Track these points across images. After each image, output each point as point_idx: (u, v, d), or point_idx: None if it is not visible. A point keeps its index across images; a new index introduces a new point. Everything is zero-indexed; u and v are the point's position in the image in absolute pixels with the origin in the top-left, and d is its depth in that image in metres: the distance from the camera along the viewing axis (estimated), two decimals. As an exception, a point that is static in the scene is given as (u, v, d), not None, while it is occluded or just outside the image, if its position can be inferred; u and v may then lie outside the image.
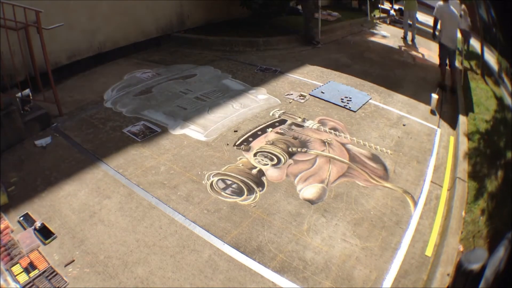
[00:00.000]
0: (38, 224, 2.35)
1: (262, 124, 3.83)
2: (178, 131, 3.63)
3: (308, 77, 5.34)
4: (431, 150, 3.75)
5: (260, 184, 2.93)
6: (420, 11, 11.80)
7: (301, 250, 2.35)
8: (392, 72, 6.16)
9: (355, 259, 2.33)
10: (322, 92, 4.77)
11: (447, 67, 5.77)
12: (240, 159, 3.24)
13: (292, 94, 4.66)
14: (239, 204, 2.71)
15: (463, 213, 2.80)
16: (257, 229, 2.49)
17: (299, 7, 9.53)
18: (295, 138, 3.62)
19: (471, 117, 4.48)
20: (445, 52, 5.51)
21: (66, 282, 2.01)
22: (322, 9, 10.44)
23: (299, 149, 3.44)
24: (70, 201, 2.62)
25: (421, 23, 11.51)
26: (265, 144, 3.47)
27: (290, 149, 3.42)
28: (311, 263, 2.26)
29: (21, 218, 2.42)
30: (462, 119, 4.50)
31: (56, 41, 4.35)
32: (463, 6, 6.38)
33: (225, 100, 4.35)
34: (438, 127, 4.33)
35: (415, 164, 3.46)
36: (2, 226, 2.33)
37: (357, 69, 6.00)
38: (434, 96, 4.75)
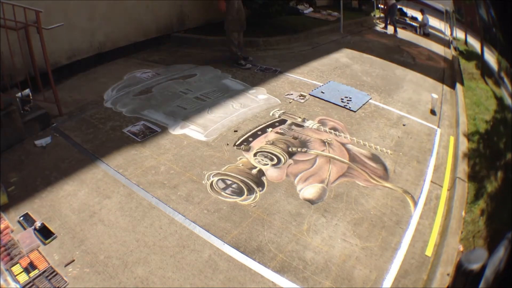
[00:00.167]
0: (38, 224, 2.35)
1: (262, 124, 3.83)
2: (178, 131, 3.63)
3: (308, 77, 5.34)
4: (431, 150, 3.75)
5: (260, 184, 2.93)
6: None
7: (301, 250, 2.35)
8: (392, 72, 6.16)
9: (355, 259, 2.33)
10: (322, 92, 4.77)
11: None
12: (240, 159, 3.24)
13: (292, 94, 4.66)
14: (239, 204, 2.71)
15: (463, 213, 2.80)
16: (257, 229, 2.49)
17: (299, 7, 9.54)
18: (295, 138, 3.62)
19: (471, 117, 4.49)
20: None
21: (66, 282, 2.01)
22: (322, 9, 10.47)
23: (299, 149, 3.44)
24: (70, 201, 2.62)
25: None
26: (265, 144, 3.47)
27: (290, 149, 3.42)
28: (311, 263, 2.26)
29: (21, 218, 2.42)
30: (462, 119, 4.50)
31: (56, 41, 4.36)
32: None
33: (225, 100, 4.35)
34: (438, 127, 4.33)
35: (415, 164, 3.46)
36: (2, 226, 2.33)
37: (357, 69, 6.00)
38: (434, 96, 4.76)
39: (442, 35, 11.58)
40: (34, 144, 3.25)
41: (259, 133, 3.66)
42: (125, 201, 2.66)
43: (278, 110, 4.17)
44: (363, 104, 4.57)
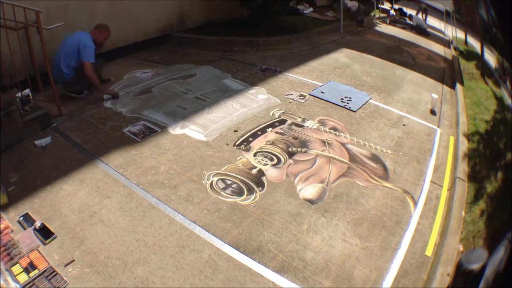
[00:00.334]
0: (38, 224, 2.35)
1: (262, 124, 3.83)
2: (178, 131, 3.62)
3: (308, 77, 5.34)
4: (431, 150, 3.75)
5: (260, 184, 2.93)
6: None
7: (301, 250, 2.35)
8: (392, 72, 6.16)
9: (355, 259, 2.33)
10: (322, 92, 4.77)
11: None
12: (240, 159, 3.24)
13: (292, 94, 4.66)
14: (239, 204, 2.71)
15: (463, 213, 2.81)
16: (257, 229, 2.49)
17: (299, 7, 9.55)
18: (295, 138, 3.63)
19: (471, 117, 4.49)
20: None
21: (66, 282, 2.01)
22: (322, 9, 10.48)
23: (299, 149, 3.44)
24: (70, 201, 2.62)
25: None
26: (265, 144, 3.47)
27: (290, 149, 3.42)
28: (311, 263, 2.26)
29: (21, 218, 2.42)
30: (462, 119, 4.50)
31: (56, 41, 4.34)
32: None
33: (225, 100, 4.35)
34: (438, 127, 4.33)
35: (415, 164, 3.46)
36: (2, 226, 2.33)
37: (357, 69, 6.00)
38: (434, 96, 4.76)
39: (442, 35, 11.58)
40: (34, 144, 3.25)
41: (259, 133, 3.66)
42: (125, 201, 2.66)
43: (278, 110, 4.17)
44: (363, 104, 4.57)
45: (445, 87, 6.02)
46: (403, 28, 11.22)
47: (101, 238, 2.33)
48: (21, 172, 2.90)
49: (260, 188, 2.89)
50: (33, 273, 2.04)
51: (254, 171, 3.08)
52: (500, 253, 1.40)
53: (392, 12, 12.94)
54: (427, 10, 11.62)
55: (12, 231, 2.32)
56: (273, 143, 3.49)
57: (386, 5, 13.78)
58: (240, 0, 7.08)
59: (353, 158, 3.41)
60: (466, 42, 8.72)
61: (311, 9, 10.06)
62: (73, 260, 2.15)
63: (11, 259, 2.13)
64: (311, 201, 2.80)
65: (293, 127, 3.84)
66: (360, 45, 7.70)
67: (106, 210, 2.56)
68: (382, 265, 2.31)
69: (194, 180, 2.93)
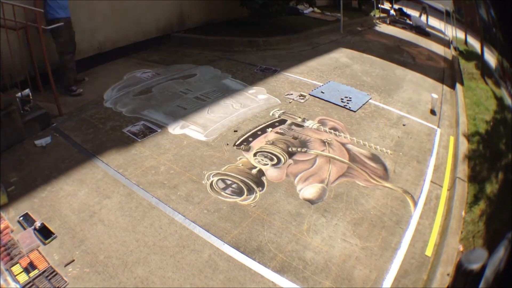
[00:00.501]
0: (38, 224, 2.35)
1: (262, 124, 3.83)
2: (178, 131, 3.62)
3: (308, 77, 5.34)
4: (431, 150, 3.75)
5: (260, 184, 2.93)
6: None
7: (301, 250, 2.35)
8: (392, 72, 6.16)
9: (355, 259, 2.33)
10: (322, 92, 4.77)
11: None
12: (240, 159, 3.24)
13: (292, 94, 4.66)
14: (239, 204, 2.71)
15: (463, 213, 2.80)
16: (257, 229, 2.49)
17: (299, 7, 9.55)
18: (295, 138, 3.62)
19: (471, 117, 4.49)
20: None
21: (66, 282, 2.01)
22: (322, 10, 10.47)
23: (299, 149, 3.44)
24: (70, 201, 2.62)
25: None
26: (265, 144, 3.47)
27: (290, 149, 3.42)
28: (311, 263, 2.26)
29: (21, 218, 2.42)
30: (462, 119, 4.50)
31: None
32: None
33: (225, 100, 4.35)
34: (438, 127, 4.33)
35: (415, 164, 3.46)
36: (2, 226, 2.33)
37: (357, 69, 6.00)
38: (434, 96, 4.76)
39: (442, 35, 11.58)
40: (34, 144, 3.25)
41: (259, 133, 3.66)
42: (125, 201, 2.66)
43: (278, 110, 4.17)
44: (363, 104, 4.57)
45: (445, 87, 6.02)
46: (403, 28, 11.22)
47: (101, 238, 2.33)
48: (21, 172, 2.90)
49: (260, 188, 2.89)
50: (33, 273, 2.04)
51: (254, 171, 3.08)
52: (500, 253, 1.40)
53: (392, 12, 12.94)
54: (426, 8, 11.60)
55: (12, 231, 2.33)
56: (273, 143, 3.49)
57: (386, 5, 13.78)
58: (240, 0, 7.08)
59: (353, 158, 3.41)
60: (466, 42, 8.71)
61: (311, 9, 10.06)
62: (73, 260, 2.15)
63: (11, 259, 2.13)
64: (311, 201, 2.80)
65: (293, 127, 3.84)
66: (360, 45, 7.70)
67: (106, 210, 2.56)
68: (382, 265, 2.31)
69: (194, 180, 2.93)
